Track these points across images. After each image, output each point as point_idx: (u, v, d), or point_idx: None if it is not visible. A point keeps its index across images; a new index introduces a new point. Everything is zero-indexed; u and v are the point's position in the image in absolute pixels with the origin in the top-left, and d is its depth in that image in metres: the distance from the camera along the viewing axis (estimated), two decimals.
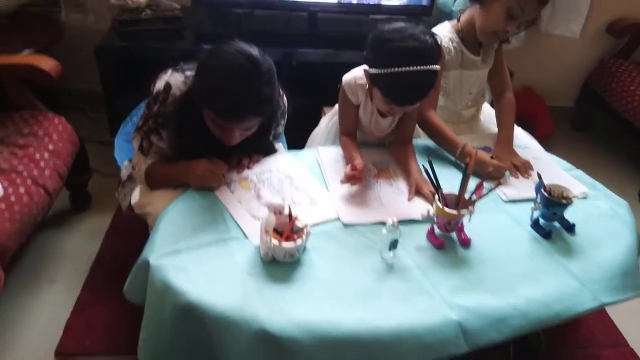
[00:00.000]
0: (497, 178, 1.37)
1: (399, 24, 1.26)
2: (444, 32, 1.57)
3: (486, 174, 1.26)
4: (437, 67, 1.23)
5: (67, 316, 1.52)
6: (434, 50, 1.24)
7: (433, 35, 1.25)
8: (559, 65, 2.72)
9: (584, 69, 2.71)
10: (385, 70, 1.22)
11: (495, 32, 1.49)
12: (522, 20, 1.45)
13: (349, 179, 1.29)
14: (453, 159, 1.46)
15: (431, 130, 1.52)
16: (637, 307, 1.69)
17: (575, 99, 2.83)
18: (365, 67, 1.34)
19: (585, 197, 1.38)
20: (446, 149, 1.49)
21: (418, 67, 1.19)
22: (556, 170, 1.49)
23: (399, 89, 1.25)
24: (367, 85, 1.37)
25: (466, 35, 1.56)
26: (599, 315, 1.69)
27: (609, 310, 1.71)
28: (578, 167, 1.52)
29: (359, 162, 1.31)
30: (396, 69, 1.20)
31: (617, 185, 1.61)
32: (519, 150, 1.52)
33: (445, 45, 1.53)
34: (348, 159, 1.38)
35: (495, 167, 1.38)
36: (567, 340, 1.59)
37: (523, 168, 1.45)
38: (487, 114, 1.80)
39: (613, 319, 1.68)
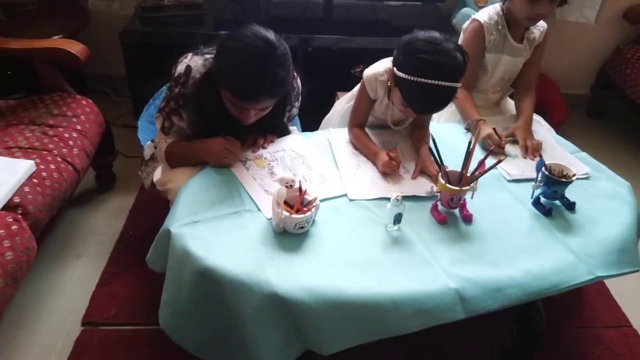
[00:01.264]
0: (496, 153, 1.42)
1: (434, 35, 1.29)
2: (491, 13, 1.61)
3: (487, 148, 1.31)
4: (459, 85, 1.27)
5: (93, 288, 1.62)
6: (461, 68, 1.28)
7: (463, 53, 1.28)
8: (574, 52, 2.72)
9: (599, 55, 2.71)
10: (411, 78, 1.26)
11: (529, 17, 1.52)
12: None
13: (387, 167, 1.35)
14: (461, 138, 1.51)
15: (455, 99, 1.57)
16: None
17: (591, 86, 2.82)
18: (388, 63, 1.39)
19: (587, 177, 1.42)
20: (462, 117, 1.57)
21: (443, 83, 1.24)
22: (560, 151, 1.52)
23: (420, 98, 1.30)
24: (388, 82, 1.41)
25: (510, 20, 1.60)
26: (603, 296, 1.72)
27: (612, 291, 1.74)
28: (593, 154, 1.55)
29: (395, 154, 1.37)
30: (421, 80, 1.24)
31: (632, 171, 1.62)
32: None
33: (487, 26, 1.57)
34: (367, 151, 1.44)
35: (495, 142, 1.44)
36: (570, 320, 1.63)
37: (532, 149, 1.50)
38: (509, 105, 1.83)
39: (617, 300, 1.72)
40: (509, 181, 1.39)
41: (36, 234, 1.39)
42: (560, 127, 2.39)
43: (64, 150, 1.57)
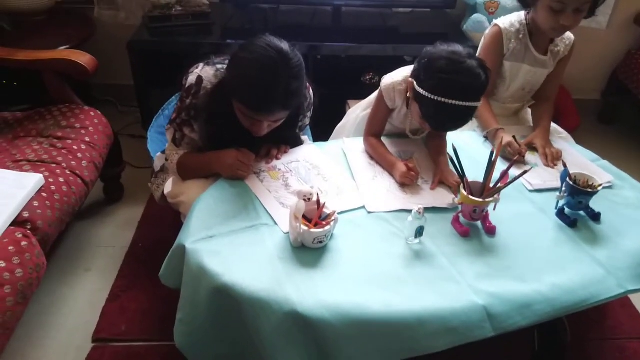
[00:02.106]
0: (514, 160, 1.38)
1: (457, 50, 1.23)
2: (513, 20, 1.57)
3: (508, 157, 1.30)
4: (480, 103, 1.23)
5: (103, 303, 1.58)
6: (484, 87, 1.23)
7: (486, 70, 1.23)
8: (585, 57, 2.68)
9: (610, 60, 2.68)
10: (431, 96, 1.22)
11: (554, 28, 1.48)
12: (571, 9, 1.41)
13: (405, 178, 1.32)
14: (479, 148, 1.48)
15: None
16: None
17: (602, 92, 2.79)
18: (407, 72, 1.36)
19: (610, 186, 1.38)
20: (480, 125, 1.54)
21: (463, 103, 1.20)
22: (581, 160, 1.49)
23: (439, 117, 1.26)
24: (407, 93, 1.36)
25: (534, 30, 1.56)
26: (626, 307, 1.68)
27: (635, 302, 1.70)
28: (605, 159, 1.52)
29: (412, 164, 1.34)
30: (442, 99, 1.20)
31: None
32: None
33: (506, 32, 1.53)
34: (384, 162, 1.41)
35: (515, 150, 1.41)
36: (593, 332, 1.59)
37: (551, 157, 1.47)
38: (529, 113, 1.78)
39: (639, 310, 1.67)
40: (531, 191, 1.36)
41: (46, 250, 1.35)
42: (572, 134, 2.35)
43: (73, 163, 1.54)
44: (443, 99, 1.19)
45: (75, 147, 1.59)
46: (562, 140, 1.63)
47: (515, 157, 1.34)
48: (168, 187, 1.46)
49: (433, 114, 1.26)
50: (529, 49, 1.57)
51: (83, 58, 1.69)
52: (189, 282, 1.10)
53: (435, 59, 1.24)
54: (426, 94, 1.23)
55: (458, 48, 1.25)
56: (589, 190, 1.22)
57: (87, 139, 1.65)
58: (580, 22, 1.47)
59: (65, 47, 1.98)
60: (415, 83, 1.28)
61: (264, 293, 1.01)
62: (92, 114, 1.74)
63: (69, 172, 1.51)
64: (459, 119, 1.26)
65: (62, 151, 1.56)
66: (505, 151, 1.44)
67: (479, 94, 1.23)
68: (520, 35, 1.55)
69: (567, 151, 1.52)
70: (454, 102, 1.19)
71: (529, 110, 1.77)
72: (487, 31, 1.65)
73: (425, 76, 1.25)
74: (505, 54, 1.59)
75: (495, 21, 1.60)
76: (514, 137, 1.45)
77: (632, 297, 1.71)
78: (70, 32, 2.15)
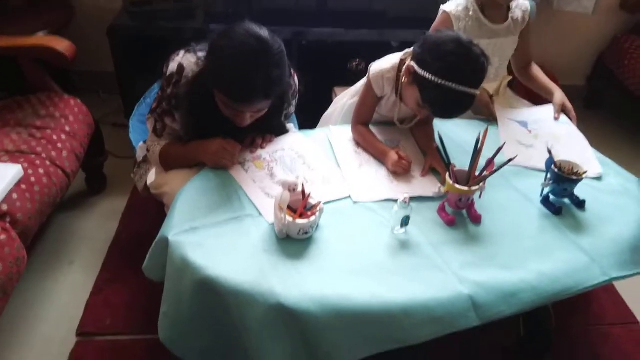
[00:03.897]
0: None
1: (461, 35, 1.23)
2: (459, 1, 1.56)
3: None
4: (478, 92, 1.21)
5: (87, 296, 1.56)
6: (484, 76, 1.22)
7: (487, 59, 1.22)
8: (571, 42, 2.69)
9: (596, 46, 2.68)
10: (438, 80, 1.18)
11: None
12: None
13: (398, 167, 1.31)
14: (465, 135, 1.47)
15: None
16: None
17: (588, 77, 2.80)
18: (395, 59, 1.34)
19: (599, 178, 1.38)
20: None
21: (469, 90, 1.18)
22: (583, 144, 1.50)
23: (444, 102, 1.23)
24: (403, 79, 1.33)
25: (486, 3, 1.56)
26: (610, 293, 1.70)
27: (619, 288, 1.72)
28: (593, 146, 1.52)
29: (404, 154, 1.33)
30: (448, 84, 1.17)
31: (630, 163, 1.61)
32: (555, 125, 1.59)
33: (455, 14, 1.53)
34: (375, 151, 1.39)
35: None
36: (577, 318, 1.61)
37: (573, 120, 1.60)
38: (510, 96, 1.79)
39: (623, 297, 1.70)
40: (516, 179, 1.35)
41: (26, 243, 1.33)
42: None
43: (53, 153, 1.51)
44: (449, 83, 1.17)
45: (55, 137, 1.55)
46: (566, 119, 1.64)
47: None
48: (151, 177, 1.44)
49: (437, 99, 1.23)
50: (482, 23, 1.56)
51: (61, 44, 1.64)
52: (173, 275, 1.08)
53: (443, 43, 1.21)
54: (433, 77, 1.19)
55: (460, 34, 1.23)
56: (574, 177, 1.22)
57: (67, 128, 1.61)
58: None
59: (43, 32, 1.92)
60: (416, 67, 1.24)
61: (248, 285, 1.00)
62: (72, 102, 1.70)
63: (49, 163, 1.48)
64: (462, 106, 1.23)
65: (42, 141, 1.52)
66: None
67: (481, 82, 1.22)
68: (470, 12, 1.55)
69: (573, 133, 1.54)
70: (461, 87, 1.17)
71: (510, 91, 1.78)
72: (436, 19, 1.63)
73: (432, 59, 1.21)
74: None
75: (442, 7, 1.59)
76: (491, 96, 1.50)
77: (616, 283, 1.72)
78: (48, 17, 2.09)
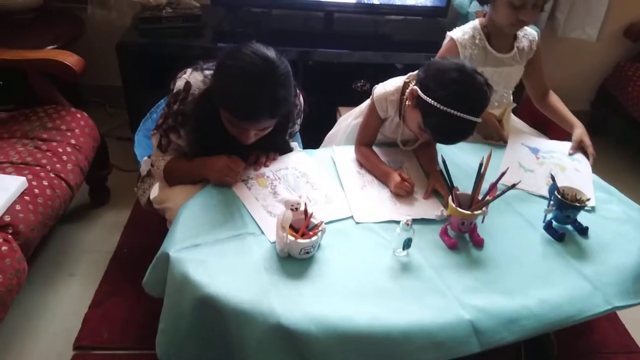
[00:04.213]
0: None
1: (465, 63, 1.24)
2: (466, 28, 1.58)
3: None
4: (480, 119, 1.23)
5: (86, 309, 1.56)
6: (487, 104, 1.24)
7: (490, 88, 1.24)
8: (575, 68, 2.71)
9: (600, 72, 2.70)
10: (441, 107, 1.19)
11: (513, 24, 1.50)
12: (529, 4, 1.45)
13: (400, 189, 1.31)
14: (468, 159, 1.47)
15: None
16: None
17: (591, 103, 2.81)
18: (399, 82, 1.36)
19: (591, 210, 1.37)
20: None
21: (471, 118, 1.19)
22: (585, 181, 1.47)
23: (444, 129, 1.24)
24: (406, 102, 1.34)
25: (492, 32, 1.57)
26: (611, 320, 1.68)
27: (621, 316, 1.70)
28: (594, 172, 1.52)
29: (407, 176, 1.34)
30: (451, 111, 1.18)
31: (633, 190, 1.61)
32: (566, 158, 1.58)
33: (461, 41, 1.54)
34: (378, 172, 1.40)
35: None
36: (579, 346, 1.59)
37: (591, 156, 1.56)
38: (515, 122, 1.80)
39: (625, 325, 1.68)
40: (519, 203, 1.35)
41: (27, 255, 1.33)
42: None
43: (58, 165, 1.52)
44: (452, 111, 1.18)
45: (60, 150, 1.56)
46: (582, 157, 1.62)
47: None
48: (154, 192, 1.44)
49: (438, 125, 1.24)
50: (488, 51, 1.58)
51: (70, 59, 1.66)
52: (172, 291, 1.07)
53: (447, 70, 1.22)
54: (435, 104, 1.20)
55: (464, 62, 1.25)
56: (577, 204, 1.22)
57: (72, 141, 1.62)
58: (536, 17, 1.54)
59: (52, 47, 1.95)
60: (420, 92, 1.25)
61: (248, 304, 0.99)
62: (78, 115, 1.71)
63: (53, 175, 1.48)
64: (461, 133, 1.24)
65: (47, 153, 1.53)
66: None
67: (483, 110, 1.23)
68: (477, 41, 1.56)
69: (582, 165, 1.54)
70: (462, 115, 1.18)
71: (514, 118, 1.78)
72: (442, 45, 1.64)
73: (435, 85, 1.22)
74: None
75: (448, 33, 1.61)
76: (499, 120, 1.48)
77: (618, 311, 1.71)
78: (58, 31, 2.11)
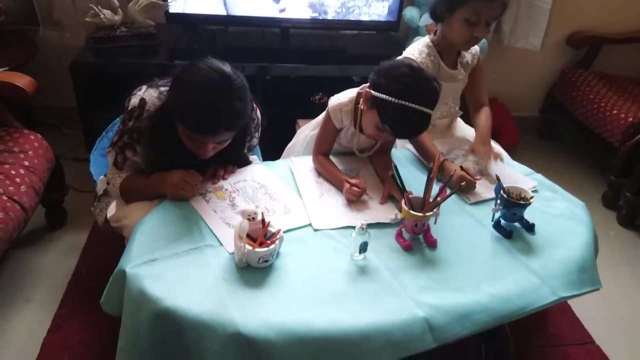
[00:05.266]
0: (467, 190, 1.43)
1: (413, 64, 1.33)
2: (421, 47, 1.61)
3: (458, 185, 1.33)
4: (432, 111, 1.28)
5: (44, 334, 1.52)
6: (437, 98, 1.30)
7: (439, 84, 1.30)
8: (523, 76, 2.83)
9: (546, 79, 2.83)
10: (394, 100, 1.25)
11: (467, 41, 1.56)
12: (483, 21, 1.50)
13: (349, 194, 1.35)
14: (420, 163, 1.52)
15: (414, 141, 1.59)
16: (601, 305, 1.78)
17: (540, 109, 2.94)
18: (352, 93, 1.40)
19: (535, 190, 1.45)
20: (424, 157, 1.55)
21: (424, 109, 1.24)
22: (508, 171, 1.54)
23: (400, 121, 1.28)
24: (362, 108, 1.38)
25: (442, 49, 1.62)
26: (566, 314, 1.75)
27: (575, 308, 1.77)
28: (545, 174, 1.58)
29: (356, 181, 1.36)
30: (404, 103, 1.23)
31: (582, 190, 1.68)
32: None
33: (421, 60, 1.57)
34: (334, 179, 1.43)
35: (470, 185, 1.43)
36: (535, 340, 1.65)
37: (494, 157, 1.56)
38: (461, 127, 1.86)
39: (579, 318, 1.75)
40: (470, 204, 1.40)
41: None
42: (512, 149, 2.47)
43: (11, 188, 1.49)
44: (405, 102, 1.23)
45: (13, 172, 1.54)
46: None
47: (469, 189, 1.42)
48: (111, 210, 1.43)
49: (395, 118, 1.28)
50: (441, 67, 1.63)
51: (22, 80, 1.64)
52: (130, 307, 1.07)
53: (397, 66, 1.30)
54: (389, 98, 1.25)
55: (411, 60, 1.32)
56: (522, 202, 1.28)
57: (26, 163, 1.59)
58: (487, 34, 1.58)
59: (4, 69, 1.91)
60: (373, 91, 1.31)
61: (206, 316, 0.99)
62: (31, 137, 1.69)
63: (5, 198, 1.46)
64: (417, 124, 1.29)
65: None
66: (454, 184, 1.39)
67: (434, 102, 1.28)
68: (432, 58, 1.60)
69: (497, 165, 1.57)
70: (415, 105, 1.23)
71: (460, 121, 1.85)
72: None
73: (386, 81, 1.28)
74: None
75: (405, 54, 1.63)
76: (461, 167, 1.46)
77: (572, 304, 1.78)
78: (10, 53, 2.09)
